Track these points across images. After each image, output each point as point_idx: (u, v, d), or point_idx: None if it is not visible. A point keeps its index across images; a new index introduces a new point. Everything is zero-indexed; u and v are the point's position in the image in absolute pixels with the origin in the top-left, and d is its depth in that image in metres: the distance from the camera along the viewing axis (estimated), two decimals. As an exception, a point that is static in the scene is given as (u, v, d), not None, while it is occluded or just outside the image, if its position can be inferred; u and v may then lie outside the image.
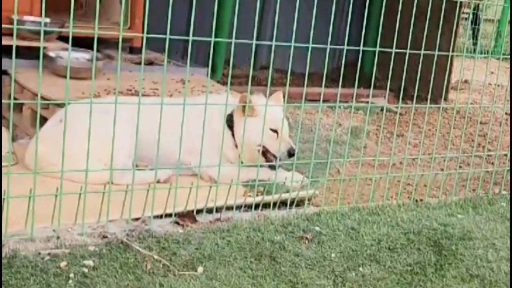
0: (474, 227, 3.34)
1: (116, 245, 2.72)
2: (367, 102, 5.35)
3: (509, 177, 4.15)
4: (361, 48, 3.36)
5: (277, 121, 3.69)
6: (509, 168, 4.19)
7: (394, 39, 3.33)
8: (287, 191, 3.46)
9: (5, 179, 2.57)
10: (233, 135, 3.77)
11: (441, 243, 3.10)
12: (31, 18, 4.98)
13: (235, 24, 2.91)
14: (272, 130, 3.70)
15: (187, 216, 3.08)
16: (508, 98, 5.12)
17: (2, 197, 2.58)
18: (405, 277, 2.78)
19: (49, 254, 2.59)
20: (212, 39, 2.87)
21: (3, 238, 2.63)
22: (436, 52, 3.52)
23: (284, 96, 3.67)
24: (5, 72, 4.54)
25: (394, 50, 3.38)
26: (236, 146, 3.76)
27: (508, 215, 3.61)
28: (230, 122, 3.76)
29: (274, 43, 3.06)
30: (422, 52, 3.46)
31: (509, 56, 7.08)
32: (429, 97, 3.69)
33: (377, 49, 3.37)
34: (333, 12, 3.21)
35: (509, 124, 5.87)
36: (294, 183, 3.55)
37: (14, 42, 2.43)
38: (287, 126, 3.83)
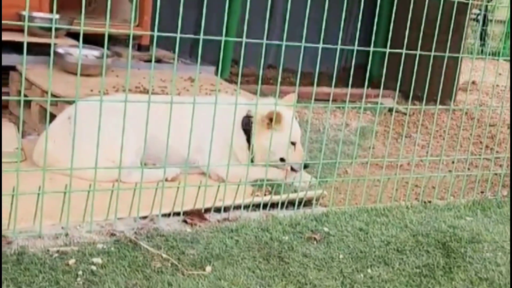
0: (483, 230, 3.33)
1: (125, 243, 2.72)
2: (375, 103, 5.33)
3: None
4: (371, 49, 3.32)
5: (296, 134, 3.69)
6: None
7: (404, 40, 3.32)
8: (295, 191, 3.45)
9: (14, 176, 2.56)
10: (247, 140, 3.74)
11: (450, 245, 3.09)
12: (41, 14, 4.97)
13: (246, 23, 2.89)
14: (291, 142, 3.68)
15: (196, 214, 3.07)
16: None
17: (11, 193, 2.57)
18: (413, 280, 2.77)
19: (57, 251, 2.59)
20: (223, 38, 2.86)
21: (12, 235, 2.63)
22: (447, 54, 3.49)
23: (297, 97, 3.66)
24: (14, 68, 4.54)
25: (404, 51, 3.36)
26: (249, 149, 3.72)
27: (517, 218, 3.60)
28: (247, 125, 3.73)
29: (284, 43, 3.04)
30: (432, 53, 3.43)
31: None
32: (438, 98, 3.67)
33: (387, 50, 3.34)
34: (343, 15, 3.20)
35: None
36: (302, 183, 3.55)
37: (25, 38, 2.42)
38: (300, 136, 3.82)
